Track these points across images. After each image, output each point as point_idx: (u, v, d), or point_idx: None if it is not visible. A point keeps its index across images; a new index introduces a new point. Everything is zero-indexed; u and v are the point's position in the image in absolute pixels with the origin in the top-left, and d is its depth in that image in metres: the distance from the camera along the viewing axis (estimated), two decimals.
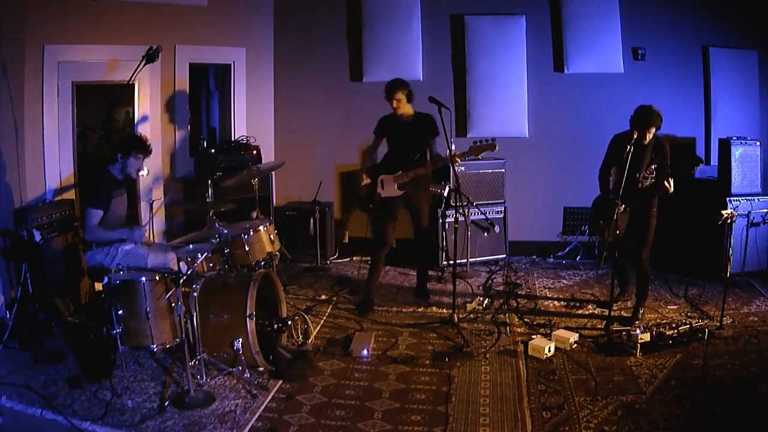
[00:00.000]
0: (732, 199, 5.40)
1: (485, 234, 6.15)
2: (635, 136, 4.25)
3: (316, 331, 4.51)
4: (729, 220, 4.45)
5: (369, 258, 5.18)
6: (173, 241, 4.80)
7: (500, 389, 3.58)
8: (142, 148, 4.24)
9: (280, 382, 3.66)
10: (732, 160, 5.45)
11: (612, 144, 4.59)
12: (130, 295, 3.44)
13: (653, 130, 4.30)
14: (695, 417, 3.20)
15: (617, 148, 4.43)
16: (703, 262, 5.54)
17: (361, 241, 6.66)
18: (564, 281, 5.71)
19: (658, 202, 4.48)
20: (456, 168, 4.77)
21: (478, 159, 6.18)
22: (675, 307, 4.93)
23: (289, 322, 4.08)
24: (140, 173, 4.40)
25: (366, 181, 4.97)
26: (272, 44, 6.73)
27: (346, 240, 6.77)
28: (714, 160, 6.01)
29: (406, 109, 4.86)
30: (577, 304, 5.02)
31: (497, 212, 6.21)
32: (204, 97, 6.58)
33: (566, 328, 4.39)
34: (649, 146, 4.36)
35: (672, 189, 4.19)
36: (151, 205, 4.83)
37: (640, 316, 4.57)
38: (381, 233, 5.01)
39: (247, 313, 3.57)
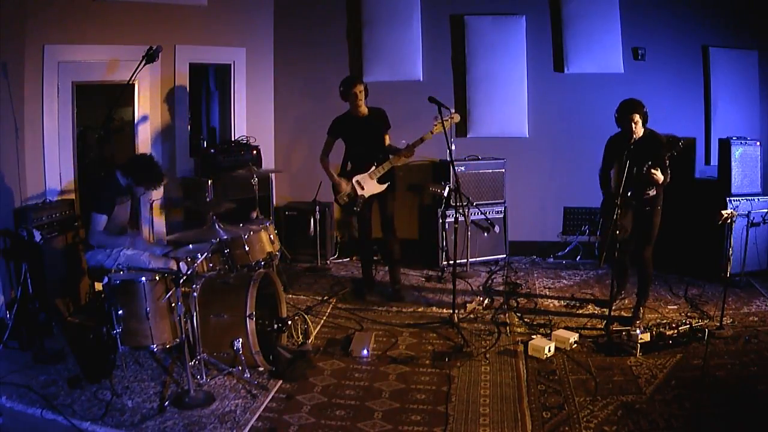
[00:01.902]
0: (732, 199, 5.40)
1: (485, 234, 6.15)
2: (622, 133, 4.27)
3: (316, 331, 4.51)
4: (729, 220, 4.44)
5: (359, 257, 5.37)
6: (171, 236, 4.78)
7: (500, 389, 3.58)
8: (159, 183, 4.25)
9: (280, 382, 3.66)
10: (732, 160, 5.45)
11: (607, 146, 4.61)
12: (130, 295, 3.43)
13: (636, 118, 4.25)
14: (695, 417, 3.19)
15: (613, 149, 4.47)
16: (703, 262, 5.55)
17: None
18: (564, 281, 5.71)
19: (662, 201, 4.46)
20: (456, 168, 4.77)
21: (478, 159, 6.22)
22: (675, 307, 4.93)
23: (289, 322, 4.08)
24: None
25: (345, 187, 5.00)
26: (272, 44, 6.72)
27: (346, 239, 6.76)
28: (714, 160, 6.00)
29: (363, 105, 4.91)
30: (577, 304, 5.02)
31: (497, 212, 6.21)
32: (204, 97, 6.58)
33: (566, 328, 4.39)
34: (644, 142, 4.32)
35: (661, 178, 4.19)
36: (151, 205, 4.83)
37: (640, 316, 4.57)
38: (364, 231, 5.19)
39: (247, 313, 3.58)
